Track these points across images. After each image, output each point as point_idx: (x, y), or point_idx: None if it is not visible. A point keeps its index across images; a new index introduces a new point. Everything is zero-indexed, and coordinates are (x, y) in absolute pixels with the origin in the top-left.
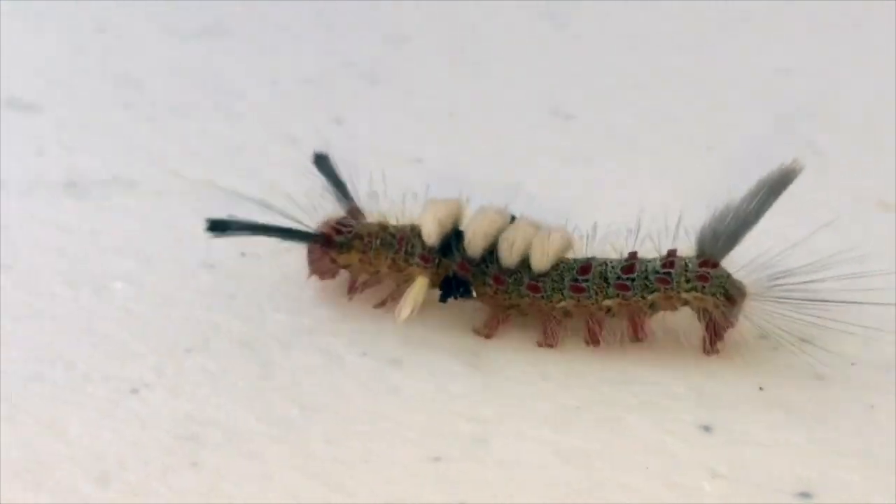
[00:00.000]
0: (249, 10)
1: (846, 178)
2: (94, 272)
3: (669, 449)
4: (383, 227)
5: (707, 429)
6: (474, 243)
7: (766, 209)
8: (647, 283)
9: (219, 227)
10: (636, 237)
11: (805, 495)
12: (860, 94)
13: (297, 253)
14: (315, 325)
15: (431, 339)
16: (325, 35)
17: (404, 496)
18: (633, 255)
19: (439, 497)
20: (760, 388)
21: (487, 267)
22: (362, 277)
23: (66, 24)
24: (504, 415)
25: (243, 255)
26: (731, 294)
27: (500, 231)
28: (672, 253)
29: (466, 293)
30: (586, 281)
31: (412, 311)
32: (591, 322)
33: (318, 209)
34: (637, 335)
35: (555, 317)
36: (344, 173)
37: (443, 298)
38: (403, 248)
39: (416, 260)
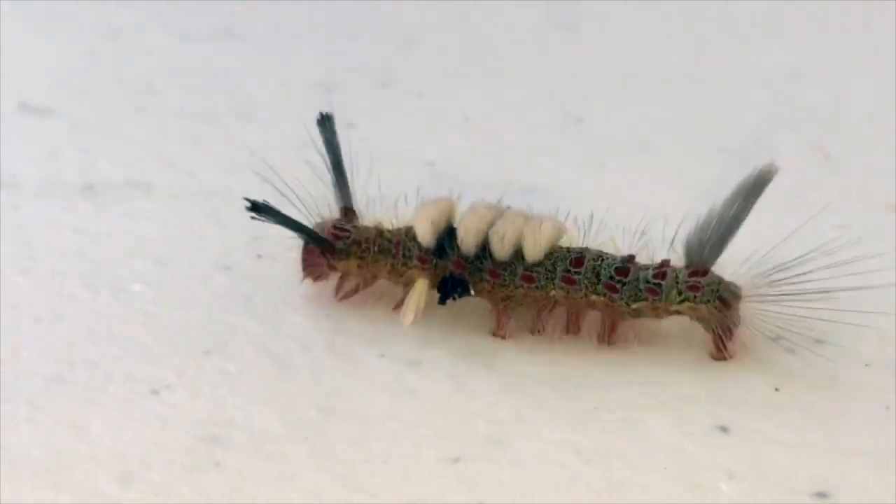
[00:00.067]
0: (259, 15)
1: (855, 179)
2: (113, 274)
3: (687, 449)
4: (379, 233)
5: (724, 429)
6: (467, 240)
7: (747, 212)
8: (637, 292)
9: (260, 209)
10: (639, 239)
11: (822, 495)
12: (867, 96)
13: None
14: (332, 327)
15: (448, 341)
16: (334, 39)
17: (424, 496)
18: (631, 258)
19: (459, 497)
20: (776, 389)
21: (482, 263)
22: (351, 282)
23: (77, 28)
24: (522, 416)
25: (259, 257)
26: (725, 298)
27: (492, 226)
28: (665, 263)
29: (465, 292)
30: (578, 273)
31: (416, 315)
32: (574, 312)
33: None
34: (609, 338)
35: (547, 305)
36: (342, 142)
37: (442, 300)
38: (401, 252)
39: (415, 262)
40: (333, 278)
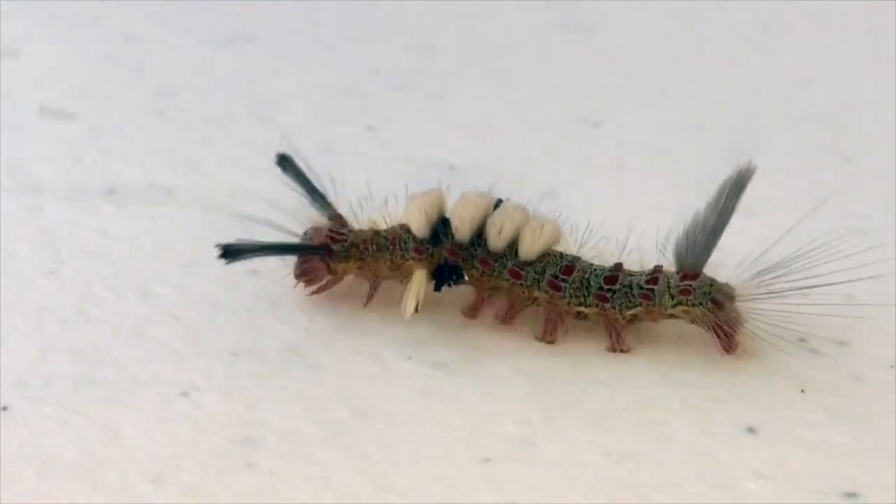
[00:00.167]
0: (278, 19)
1: (875, 183)
2: (139, 277)
3: (714, 450)
4: (375, 233)
5: (751, 430)
6: (462, 229)
7: (732, 212)
8: (630, 299)
9: (231, 253)
10: (626, 249)
11: (851, 495)
12: (883, 100)
13: None
14: (359, 330)
15: (475, 343)
16: (353, 43)
17: (456, 496)
18: (618, 266)
19: (490, 497)
20: (802, 391)
21: (476, 250)
22: (335, 281)
23: (96, 33)
24: (550, 416)
25: (285, 259)
26: (717, 300)
27: (486, 214)
28: (658, 269)
29: (459, 279)
30: (565, 281)
31: (417, 306)
32: (555, 318)
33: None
34: (619, 348)
35: (525, 305)
36: (310, 173)
37: (437, 287)
38: (398, 247)
39: (411, 254)
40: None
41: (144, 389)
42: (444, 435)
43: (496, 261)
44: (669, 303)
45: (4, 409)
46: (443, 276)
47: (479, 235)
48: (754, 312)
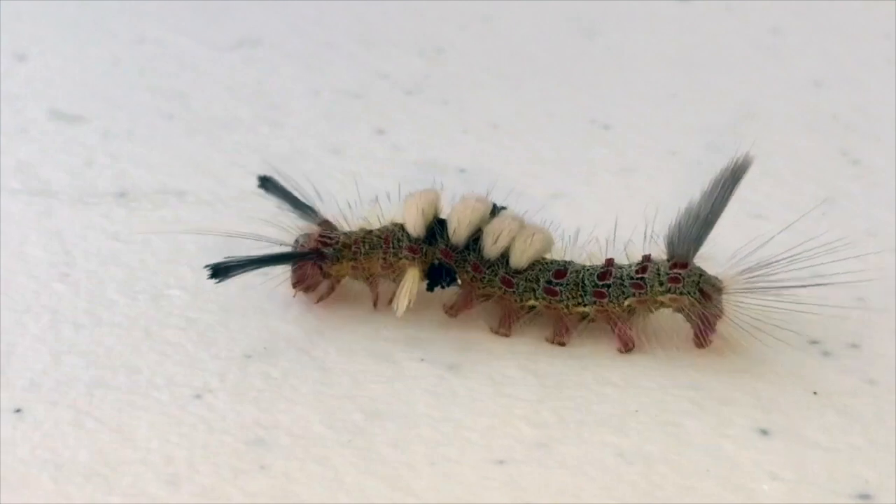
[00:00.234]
0: (286, 23)
1: (885, 185)
2: (151, 280)
3: (728, 452)
4: (367, 232)
5: (764, 432)
6: (459, 232)
7: (725, 205)
8: (623, 290)
9: (220, 272)
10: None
11: (865, 497)
12: (893, 102)
13: None
14: (371, 332)
15: (486, 346)
16: (360, 48)
17: (471, 498)
18: (609, 261)
19: (505, 499)
20: (814, 393)
21: (469, 254)
22: (326, 286)
23: (104, 36)
24: (564, 418)
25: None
26: (705, 290)
27: (483, 219)
28: (646, 258)
29: (453, 281)
30: (560, 285)
31: (409, 304)
32: (560, 323)
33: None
34: (625, 346)
35: (521, 314)
36: (293, 188)
37: (430, 287)
38: (391, 245)
39: (405, 253)
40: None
41: (158, 392)
42: (458, 436)
43: (488, 268)
44: (660, 290)
45: (18, 411)
46: (436, 276)
47: (475, 240)
48: (740, 306)
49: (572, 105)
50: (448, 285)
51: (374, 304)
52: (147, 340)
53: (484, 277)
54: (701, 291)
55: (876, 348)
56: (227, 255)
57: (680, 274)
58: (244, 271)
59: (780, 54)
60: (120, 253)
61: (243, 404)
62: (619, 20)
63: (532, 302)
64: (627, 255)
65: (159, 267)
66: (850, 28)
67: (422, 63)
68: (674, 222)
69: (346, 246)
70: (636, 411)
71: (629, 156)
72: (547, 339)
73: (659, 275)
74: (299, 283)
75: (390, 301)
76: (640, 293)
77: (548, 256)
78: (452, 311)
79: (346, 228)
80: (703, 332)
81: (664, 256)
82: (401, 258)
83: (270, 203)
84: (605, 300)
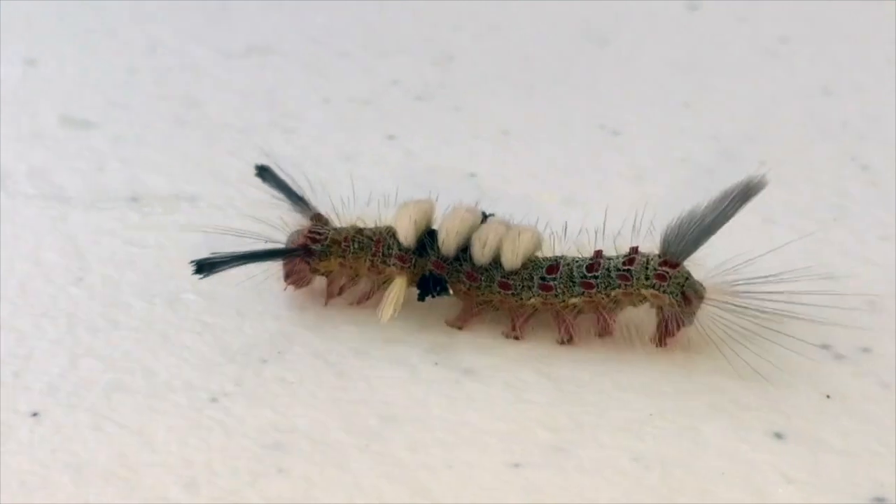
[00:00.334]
0: (297, 30)
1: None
2: (166, 284)
3: (743, 455)
4: (358, 231)
5: (779, 436)
6: (448, 242)
7: (730, 217)
8: (610, 280)
9: (205, 268)
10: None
11: (880, 500)
12: None
13: None
14: (386, 336)
15: (500, 350)
16: (371, 55)
17: (489, 501)
18: (597, 253)
19: (523, 502)
20: (828, 396)
21: (461, 264)
22: (340, 281)
23: (115, 43)
24: (580, 423)
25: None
26: (687, 295)
27: (472, 229)
28: (634, 250)
29: (443, 291)
30: (554, 280)
31: (394, 312)
32: (559, 319)
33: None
34: (604, 330)
35: (523, 313)
36: (289, 180)
37: (421, 297)
38: (380, 250)
39: (394, 261)
40: (316, 282)
41: (175, 395)
42: (476, 440)
43: (483, 274)
44: (644, 283)
45: (35, 414)
46: (427, 286)
47: (465, 250)
48: (716, 318)
49: (583, 112)
50: (438, 294)
51: (329, 295)
52: (164, 344)
53: (481, 284)
54: (683, 294)
55: (888, 352)
56: (212, 251)
57: (668, 272)
58: (229, 267)
59: (789, 62)
60: (134, 257)
61: (260, 408)
62: (630, 28)
63: (532, 301)
64: (616, 247)
65: (174, 271)
66: (858, 35)
67: (433, 70)
68: (674, 222)
69: (335, 242)
70: (651, 415)
71: (639, 162)
72: (557, 341)
73: (646, 268)
74: (288, 277)
75: (353, 299)
76: (626, 285)
77: (539, 254)
78: (458, 323)
79: (339, 224)
80: (666, 333)
81: (656, 252)
82: (389, 265)
83: (266, 194)
84: (594, 290)
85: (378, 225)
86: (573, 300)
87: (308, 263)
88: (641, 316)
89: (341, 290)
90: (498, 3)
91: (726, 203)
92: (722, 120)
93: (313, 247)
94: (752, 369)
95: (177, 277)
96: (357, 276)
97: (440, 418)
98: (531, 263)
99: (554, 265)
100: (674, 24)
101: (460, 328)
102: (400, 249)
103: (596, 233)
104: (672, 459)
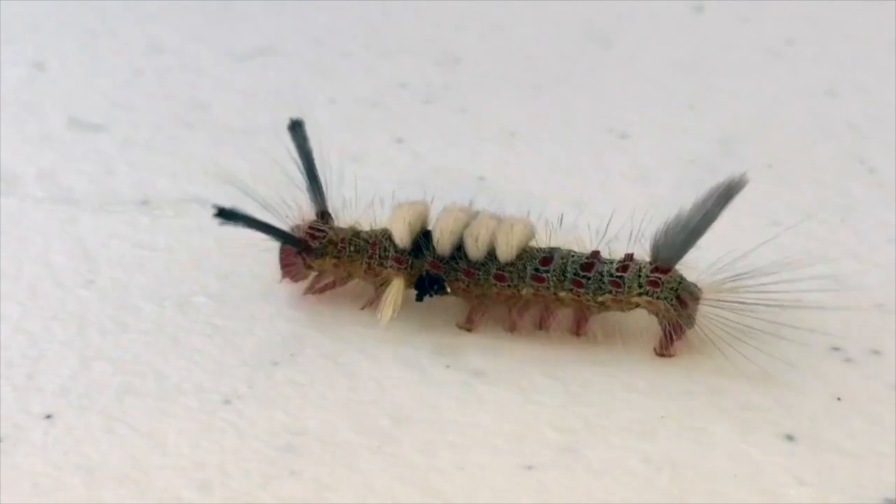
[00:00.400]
0: (302, 32)
1: None
2: (176, 287)
3: (754, 457)
4: (356, 234)
5: (790, 438)
6: (443, 241)
7: (715, 218)
8: (601, 285)
9: (227, 215)
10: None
11: (891, 501)
12: None
13: None
14: (396, 338)
15: (510, 352)
16: (378, 57)
17: (501, 503)
18: (595, 253)
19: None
20: (838, 399)
21: (458, 263)
22: (327, 279)
23: (121, 46)
24: (590, 424)
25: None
26: (682, 298)
27: (466, 227)
28: (629, 257)
29: (441, 289)
30: (547, 272)
31: (393, 313)
32: (545, 310)
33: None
34: (578, 331)
35: (517, 304)
36: (316, 152)
37: (419, 297)
38: (377, 253)
39: (391, 263)
40: (309, 278)
41: (187, 398)
42: (487, 442)
43: (479, 269)
44: (636, 291)
45: (48, 417)
46: (424, 286)
47: (460, 248)
48: (716, 318)
49: (589, 114)
50: (436, 293)
51: (308, 292)
52: (174, 347)
53: (479, 280)
54: (678, 298)
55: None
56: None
57: (660, 278)
58: (246, 226)
59: (793, 63)
60: (144, 260)
61: (272, 410)
62: (635, 30)
63: (525, 291)
64: (610, 251)
65: (184, 274)
66: (862, 36)
67: (439, 72)
68: (661, 227)
69: (331, 243)
70: (662, 417)
71: (646, 164)
72: (534, 326)
73: (639, 276)
74: (283, 267)
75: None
76: (616, 291)
77: (534, 245)
78: (468, 325)
79: (341, 225)
80: (668, 341)
81: (647, 258)
82: (386, 267)
83: (292, 212)
84: (582, 290)
85: (374, 227)
86: (562, 294)
87: (303, 259)
88: (648, 319)
89: (325, 289)
90: (502, 3)
91: (710, 204)
92: (726, 121)
93: (311, 243)
94: (761, 372)
95: (187, 280)
96: (350, 277)
97: (451, 420)
98: (525, 254)
99: (548, 257)
100: (677, 26)
101: (469, 330)
102: (396, 251)
103: (596, 232)
104: (682, 461)
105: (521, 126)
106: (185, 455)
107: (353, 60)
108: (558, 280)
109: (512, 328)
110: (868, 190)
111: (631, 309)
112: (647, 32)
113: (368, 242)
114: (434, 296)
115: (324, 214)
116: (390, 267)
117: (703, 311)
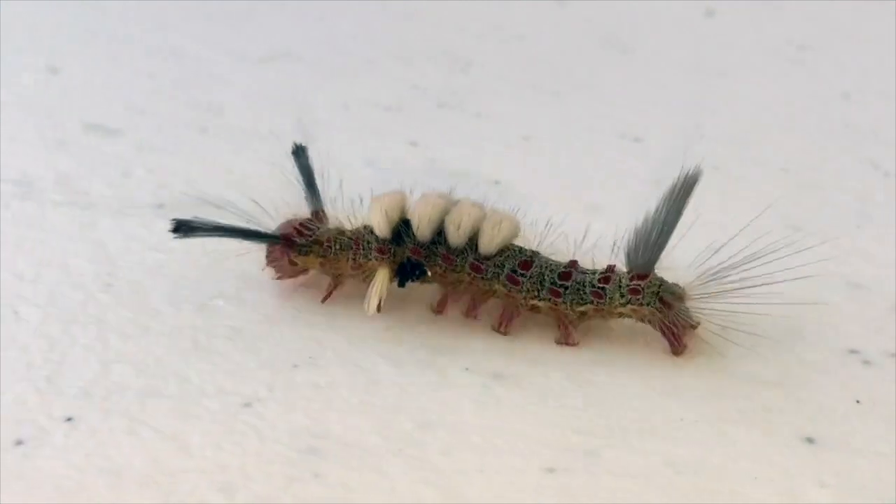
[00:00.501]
0: (316, 37)
1: None
2: (194, 290)
3: (775, 459)
4: (340, 232)
5: (810, 440)
6: (422, 228)
7: (679, 216)
8: (582, 295)
9: (184, 228)
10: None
11: None
12: None
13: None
14: (416, 342)
15: (528, 354)
16: (393, 61)
17: None
18: (573, 263)
19: None
20: (857, 401)
21: (437, 248)
22: (309, 275)
23: (137, 50)
24: (610, 426)
25: None
26: (665, 300)
27: (445, 213)
28: (611, 268)
29: (422, 274)
30: (523, 276)
31: (379, 303)
32: (510, 311)
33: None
34: (566, 341)
35: (486, 299)
36: (316, 170)
37: (401, 283)
38: (361, 247)
39: (374, 254)
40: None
41: (208, 400)
42: (508, 445)
43: (458, 256)
44: (619, 301)
45: (69, 419)
46: (406, 272)
47: (441, 234)
48: (707, 312)
49: (603, 118)
50: (418, 279)
51: (323, 300)
52: (195, 350)
53: (456, 266)
54: (661, 300)
55: None
56: (195, 216)
57: (640, 285)
58: (208, 235)
59: (809, 67)
60: (162, 263)
61: (293, 413)
62: (649, 35)
63: (496, 287)
64: (594, 260)
65: (203, 277)
66: (877, 40)
67: (454, 76)
68: (631, 235)
69: (317, 242)
70: (682, 420)
71: (660, 168)
72: (492, 327)
73: (620, 287)
74: (269, 262)
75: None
76: (598, 302)
77: (518, 244)
78: (438, 308)
79: (334, 225)
80: (673, 341)
81: (625, 269)
82: (370, 259)
83: (306, 214)
84: (560, 300)
85: (354, 225)
86: (534, 302)
87: (287, 255)
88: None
89: (304, 282)
90: (517, 9)
91: (672, 201)
92: (743, 126)
93: (297, 239)
94: (780, 374)
95: (205, 283)
96: (340, 275)
97: (472, 423)
98: (507, 251)
99: (528, 261)
100: (694, 32)
101: (440, 313)
102: (378, 242)
103: (575, 242)
104: (704, 463)
105: (535, 130)
106: (208, 458)
107: (368, 65)
108: (532, 287)
109: (474, 317)
110: (883, 193)
111: (615, 318)
112: (662, 38)
113: (352, 239)
114: (416, 281)
115: (319, 214)
116: (374, 258)
117: (703, 310)
